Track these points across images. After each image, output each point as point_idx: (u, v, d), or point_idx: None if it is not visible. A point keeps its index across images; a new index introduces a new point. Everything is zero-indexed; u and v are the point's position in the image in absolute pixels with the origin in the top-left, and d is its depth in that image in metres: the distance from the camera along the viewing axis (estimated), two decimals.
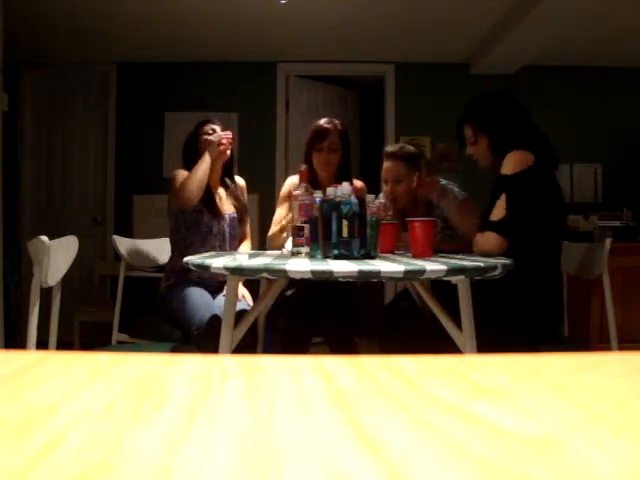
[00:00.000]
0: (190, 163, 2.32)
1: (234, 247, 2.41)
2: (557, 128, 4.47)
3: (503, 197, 1.81)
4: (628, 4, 3.36)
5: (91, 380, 0.35)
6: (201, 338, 2.03)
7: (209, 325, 2.03)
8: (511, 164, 1.82)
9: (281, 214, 2.45)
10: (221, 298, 2.28)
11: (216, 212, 2.32)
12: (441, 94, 4.54)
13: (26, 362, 0.40)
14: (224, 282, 2.36)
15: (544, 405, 0.30)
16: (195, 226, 2.30)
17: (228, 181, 2.44)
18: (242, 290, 2.32)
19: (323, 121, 2.40)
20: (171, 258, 2.38)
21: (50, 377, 0.36)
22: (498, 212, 1.81)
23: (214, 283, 2.33)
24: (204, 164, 2.23)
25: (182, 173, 2.30)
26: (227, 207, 2.39)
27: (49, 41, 4.23)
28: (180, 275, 2.28)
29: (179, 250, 2.30)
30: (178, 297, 2.21)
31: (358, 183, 2.45)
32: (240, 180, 2.54)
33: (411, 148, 2.33)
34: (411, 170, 2.27)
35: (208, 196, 2.31)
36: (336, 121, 2.41)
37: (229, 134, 2.28)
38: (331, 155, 2.35)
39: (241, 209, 2.44)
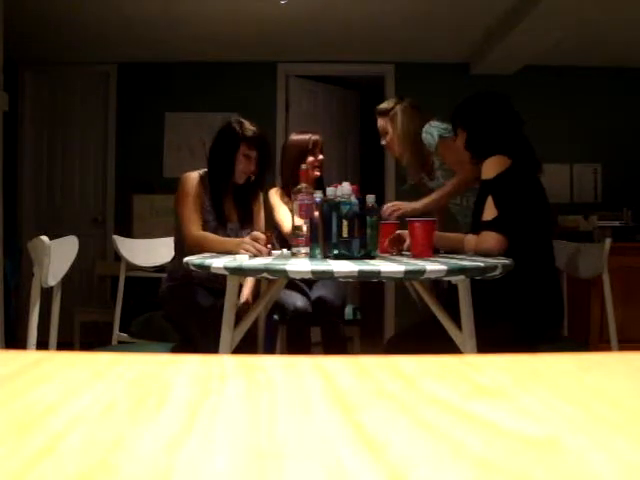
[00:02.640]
0: (217, 169, 2.22)
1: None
2: (557, 128, 4.48)
3: (490, 199, 1.88)
4: (628, 4, 3.36)
5: (91, 380, 0.35)
6: (200, 335, 2.03)
7: (208, 322, 2.03)
8: (490, 169, 1.91)
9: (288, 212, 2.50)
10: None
11: (224, 221, 2.24)
12: (441, 94, 4.53)
13: (26, 362, 0.40)
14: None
15: (544, 405, 0.30)
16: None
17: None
18: (246, 293, 2.28)
19: (307, 135, 2.61)
20: (174, 259, 2.31)
21: (50, 377, 0.36)
22: (490, 212, 1.86)
23: (217, 286, 2.29)
24: (223, 247, 2.01)
25: (192, 178, 2.20)
26: (232, 214, 2.30)
27: (49, 41, 4.23)
28: (183, 277, 2.25)
29: (183, 252, 2.25)
30: (181, 300, 2.17)
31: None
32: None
33: (385, 104, 2.57)
34: (388, 122, 2.52)
35: (219, 206, 2.22)
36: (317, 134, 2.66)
37: (263, 250, 1.91)
38: (321, 159, 2.60)
39: (245, 214, 2.34)
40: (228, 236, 2.24)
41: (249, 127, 2.21)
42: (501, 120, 2.01)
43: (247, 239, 1.94)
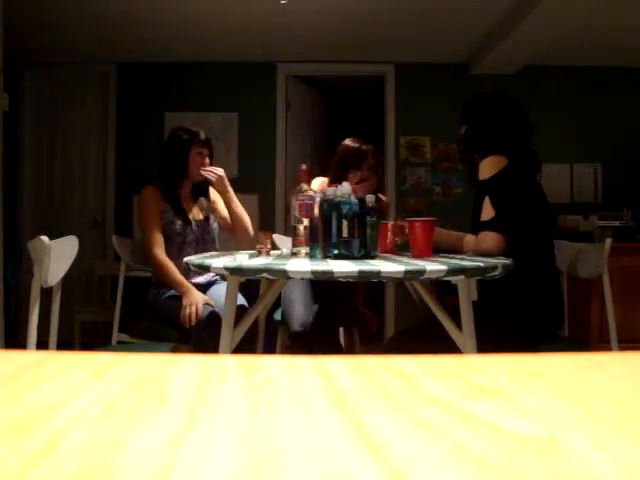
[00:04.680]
0: (172, 176, 2.35)
1: (212, 250, 2.40)
2: (557, 128, 4.48)
3: (487, 199, 1.88)
4: (628, 4, 3.36)
5: (91, 380, 0.35)
6: (200, 333, 2.04)
7: (208, 322, 2.04)
8: (486, 169, 1.92)
9: None
10: (211, 292, 2.30)
11: (188, 220, 2.34)
12: (441, 94, 4.54)
13: (26, 362, 0.40)
14: (211, 282, 2.37)
15: (544, 405, 0.30)
16: (170, 238, 2.31)
17: (203, 200, 2.48)
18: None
19: (357, 144, 2.41)
20: (153, 271, 2.38)
21: (50, 377, 0.36)
22: (487, 213, 1.87)
23: (201, 284, 2.33)
24: (176, 285, 2.19)
25: (148, 191, 2.32)
26: (196, 213, 2.42)
27: (49, 41, 4.22)
28: (165, 284, 2.29)
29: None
30: (170, 299, 2.22)
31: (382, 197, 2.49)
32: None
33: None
34: None
35: (178, 206, 2.34)
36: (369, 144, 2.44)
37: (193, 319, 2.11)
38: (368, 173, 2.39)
39: (209, 209, 2.47)
40: (198, 236, 2.37)
41: (193, 129, 2.42)
42: (504, 121, 2.00)
43: (193, 303, 2.09)
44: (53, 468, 0.21)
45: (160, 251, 2.24)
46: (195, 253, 2.32)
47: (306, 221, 1.85)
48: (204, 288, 2.34)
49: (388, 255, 1.97)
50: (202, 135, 2.40)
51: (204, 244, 2.39)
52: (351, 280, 1.48)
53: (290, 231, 1.99)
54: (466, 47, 4.31)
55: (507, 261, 1.60)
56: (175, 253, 2.29)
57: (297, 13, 3.71)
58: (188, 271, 2.24)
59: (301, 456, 0.23)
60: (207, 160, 2.39)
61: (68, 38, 4.14)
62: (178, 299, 2.17)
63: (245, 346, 1.80)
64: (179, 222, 2.32)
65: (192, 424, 0.26)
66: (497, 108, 2.03)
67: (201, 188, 2.45)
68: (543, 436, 0.25)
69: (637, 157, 4.55)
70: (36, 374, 0.37)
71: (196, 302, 2.10)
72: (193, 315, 2.07)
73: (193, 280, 2.30)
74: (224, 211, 2.48)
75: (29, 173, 4.68)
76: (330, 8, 3.64)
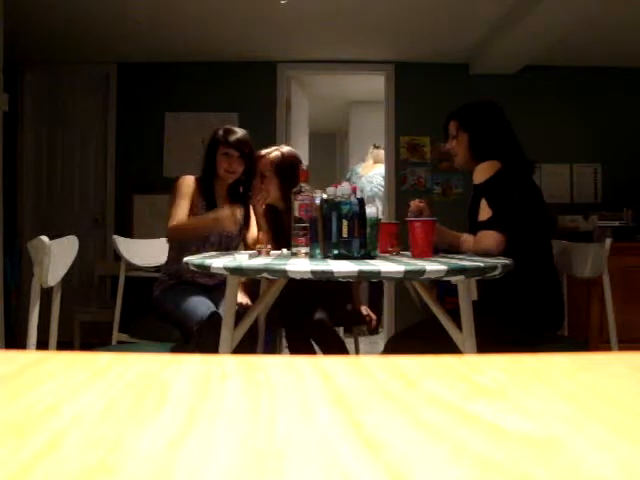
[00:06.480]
0: (206, 172, 2.34)
1: None
2: (557, 128, 4.48)
3: (483, 201, 1.91)
4: (628, 4, 3.36)
5: (91, 380, 0.35)
6: (202, 333, 2.04)
7: (210, 320, 2.04)
8: (480, 174, 1.96)
9: None
10: (214, 294, 2.30)
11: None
12: (441, 94, 4.53)
13: (26, 362, 0.40)
14: (219, 284, 2.36)
15: (544, 405, 0.30)
16: None
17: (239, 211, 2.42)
18: (241, 298, 2.31)
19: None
20: (166, 262, 2.37)
21: (50, 377, 0.36)
22: (485, 213, 1.89)
23: (208, 285, 2.33)
24: (206, 224, 2.16)
25: (186, 180, 2.30)
26: None
27: (49, 41, 4.22)
28: (174, 278, 2.28)
29: (175, 254, 2.29)
30: (174, 298, 2.21)
31: None
32: None
33: None
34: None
35: (211, 202, 2.31)
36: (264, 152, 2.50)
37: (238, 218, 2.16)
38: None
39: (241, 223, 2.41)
40: (221, 240, 2.33)
41: (231, 129, 2.36)
42: (498, 125, 2.05)
43: (225, 208, 2.09)
44: (53, 468, 0.21)
45: (174, 222, 2.20)
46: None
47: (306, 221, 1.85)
48: (209, 290, 2.33)
49: (388, 255, 1.97)
50: (232, 137, 2.32)
51: (226, 248, 2.36)
52: (351, 280, 1.48)
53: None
54: (466, 47, 4.30)
55: (507, 261, 1.60)
56: (194, 250, 2.27)
57: (297, 13, 3.71)
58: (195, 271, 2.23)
59: (301, 456, 0.23)
60: (236, 164, 2.31)
61: (68, 38, 4.14)
62: (181, 299, 2.17)
63: (245, 346, 1.80)
64: None
65: (192, 424, 0.26)
66: (494, 115, 2.06)
67: (239, 193, 2.40)
68: (543, 436, 0.25)
69: (637, 157, 4.55)
70: (36, 374, 0.37)
71: (229, 213, 2.10)
72: (238, 215, 2.12)
73: (201, 281, 2.30)
74: (250, 231, 2.47)
75: (29, 173, 4.68)
76: (330, 8, 3.64)
